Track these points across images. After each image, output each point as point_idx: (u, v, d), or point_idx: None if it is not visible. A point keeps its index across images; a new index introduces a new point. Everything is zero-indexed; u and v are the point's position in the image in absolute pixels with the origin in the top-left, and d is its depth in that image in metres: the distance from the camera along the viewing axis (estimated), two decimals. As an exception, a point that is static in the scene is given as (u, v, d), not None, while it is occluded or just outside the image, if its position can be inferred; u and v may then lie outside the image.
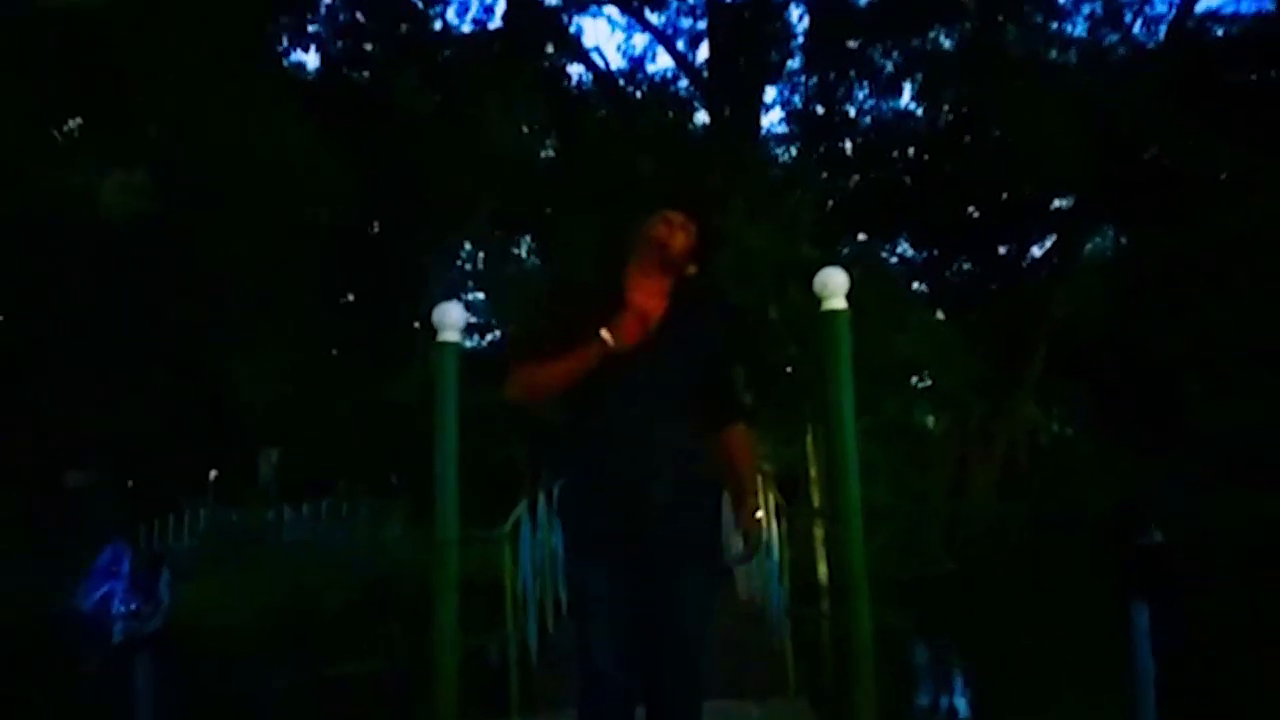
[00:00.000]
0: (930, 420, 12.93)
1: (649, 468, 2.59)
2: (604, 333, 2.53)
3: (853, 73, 12.55)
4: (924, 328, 10.15)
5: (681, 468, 2.62)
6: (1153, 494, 8.93)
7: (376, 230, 12.76)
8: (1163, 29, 13.23)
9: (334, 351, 14.21)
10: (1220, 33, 12.90)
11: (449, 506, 4.43)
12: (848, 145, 13.92)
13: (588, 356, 2.53)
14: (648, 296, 2.70)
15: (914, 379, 11.12)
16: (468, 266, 14.99)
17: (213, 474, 17.55)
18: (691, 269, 2.76)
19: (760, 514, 2.84)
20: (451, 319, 4.59)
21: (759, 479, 3.05)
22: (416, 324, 12.79)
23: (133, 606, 3.64)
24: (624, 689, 2.63)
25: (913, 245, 15.97)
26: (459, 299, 15.68)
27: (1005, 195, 12.21)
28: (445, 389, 4.55)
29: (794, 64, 13.04)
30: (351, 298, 14.42)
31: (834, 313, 4.30)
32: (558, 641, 5.87)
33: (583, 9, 12.54)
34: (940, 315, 17.78)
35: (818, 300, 4.27)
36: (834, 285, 4.27)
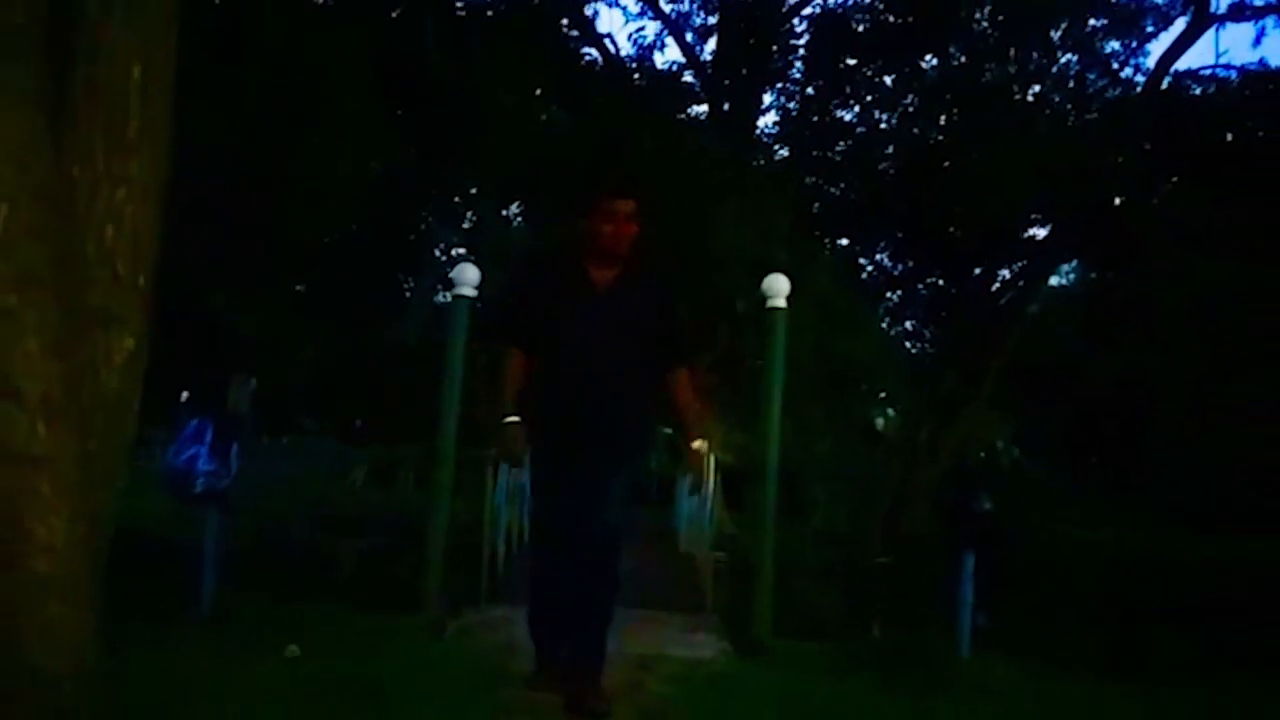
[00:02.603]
0: (880, 422, 14.32)
1: (594, 399, 3.55)
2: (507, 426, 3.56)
3: (847, 88, 13.90)
4: (872, 334, 11.55)
5: (620, 400, 3.58)
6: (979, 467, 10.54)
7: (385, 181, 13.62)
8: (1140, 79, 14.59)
9: (323, 292, 15.08)
10: (1197, 90, 14.31)
11: (449, 428, 5.89)
12: (838, 151, 15.19)
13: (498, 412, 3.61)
14: (600, 266, 3.58)
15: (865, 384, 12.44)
16: (464, 225, 16.06)
17: (184, 394, 18.59)
18: (633, 241, 3.59)
19: (698, 444, 3.90)
20: (467, 277, 6.09)
21: (699, 417, 4.01)
22: (409, 279, 13.92)
23: (212, 467, 4.98)
24: (570, 535, 3.65)
25: (891, 256, 17.33)
26: (453, 255, 16.72)
27: (980, 219, 13.45)
28: (456, 335, 6.04)
29: (794, 72, 14.41)
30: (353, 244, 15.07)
31: (774, 310, 5.79)
32: (519, 558, 7.27)
33: None
34: (910, 325, 19.28)
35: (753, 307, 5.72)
36: (777, 288, 5.78)
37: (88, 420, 2.29)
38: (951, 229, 15.63)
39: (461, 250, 18.69)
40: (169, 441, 5.39)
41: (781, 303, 5.79)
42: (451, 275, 6.16)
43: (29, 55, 2.18)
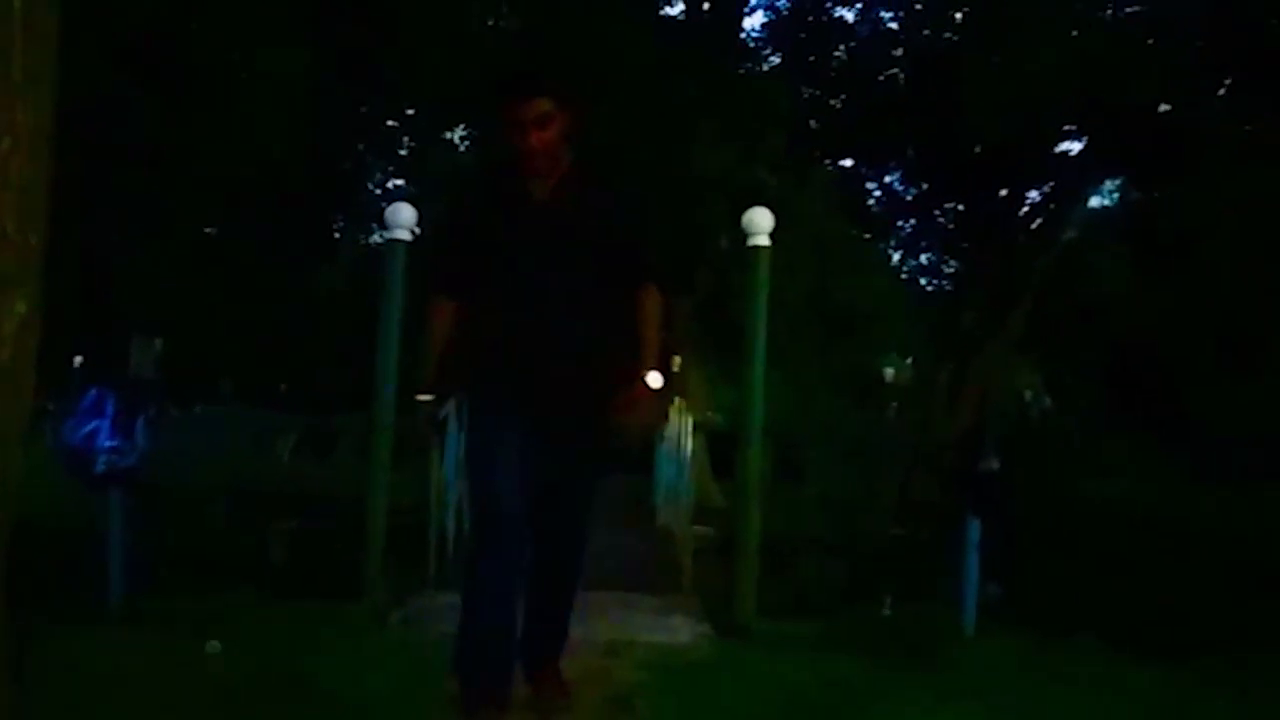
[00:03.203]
0: (889, 372, 14.62)
1: (539, 342, 3.34)
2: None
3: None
4: (876, 273, 11.81)
5: (573, 333, 3.35)
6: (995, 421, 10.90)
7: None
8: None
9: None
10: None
11: (386, 394, 6.10)
12: (836, 56, 15.32)
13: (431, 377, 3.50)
14: (540, 177, 3.38)
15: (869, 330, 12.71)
16: (402, 154, 16.13)
17: (77, 360, 18.68)
18: (567, 143, 3.38)
19: (652, 378, 3.48)
20: (402, 218, 6.28)
21: (655, 347, 3.51)
22: (339, 218, 14.03)
23: (115, 443, 5.17)
24: (519, 521, 3.31)
25: (902, 179, 17.56)
26: (389, 188, 16.80)
27: (1003, 131, 13.64)
28: (392, 284, 6.24)
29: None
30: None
31: (756, 249, 5.99)
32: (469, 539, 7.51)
33: None
34: (925, 259, 19.56)
35: (736, 243, 5.90)
36: (759, 224, 5.98)
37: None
38: (970, 145, 15.82)
39: (399, 182, 18.82)
40: (64, 415, 5.57)
41: (764, 240, 5.97)
42: (385, 215, 6.31)
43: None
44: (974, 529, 5.56)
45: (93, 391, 5.29)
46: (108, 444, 5.17)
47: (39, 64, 2.68)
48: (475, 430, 3.52)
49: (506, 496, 3.31)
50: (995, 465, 7.58)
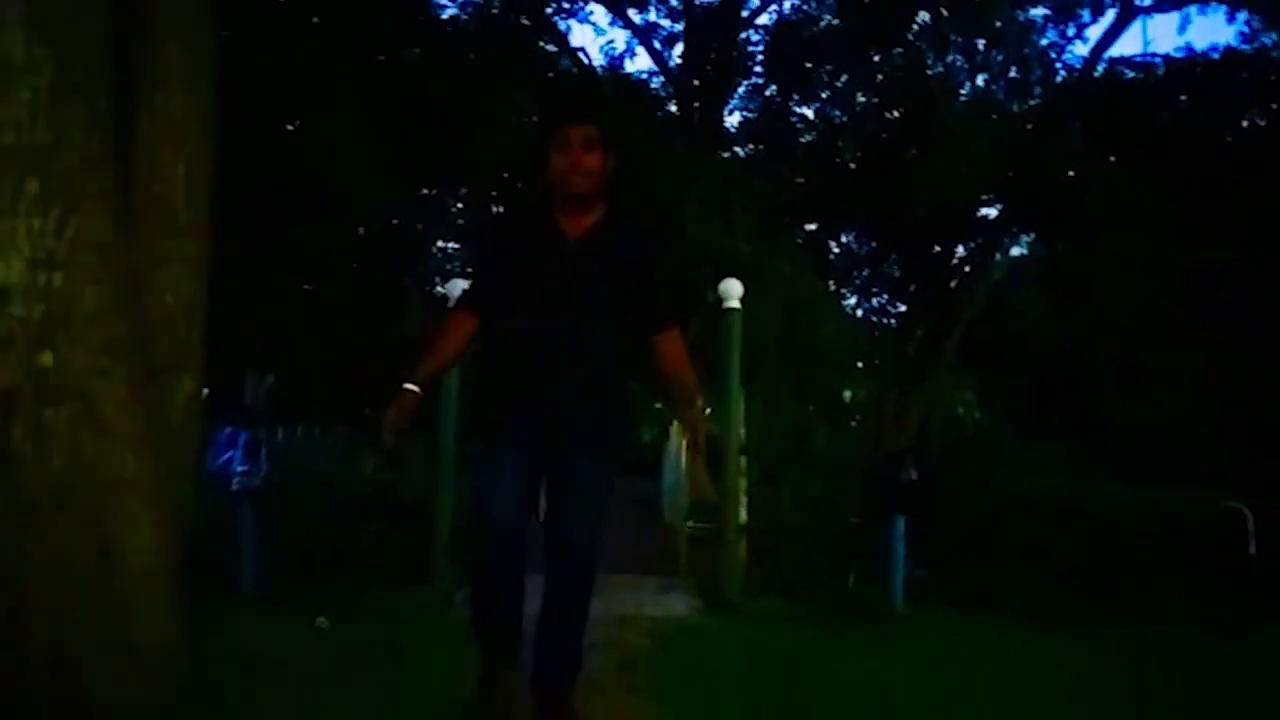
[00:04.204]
0: (847, 395, 14.89)
1: (560, 368, 2.87)
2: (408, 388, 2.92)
3: (804, 88, 14.43)
4: (833, 316, 12.13)
5: (595, 370, 2.91)
6: (913, 445, 11.11)
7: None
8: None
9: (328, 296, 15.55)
10: (1129, 75, 14.82)
11: (449, 425, 6.44)
12: (800, 144, 15.70)
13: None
14: (573, 213, 2.92)
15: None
16: (460, 223, 16.52)
17: (205, 392, 19.04)
18: (610, 168, 2.91)
19: (702, 406, 3.12)
20: (459, 289, 6.57)
21: (695, 382, 3.13)
22: (407, 279, 14.44)
23: (245, 468, 5.54)
24: (520, 535, 2.89)
25: (855, 239, 17.86)
26: (448, 250, 17.13)
27: (933, 204, 13.95)
28: None
29: (754, 77, 14.97)
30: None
31: (730, 311, 6.32)
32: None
33: (571, 14, 14.48)
34: (876, 302, 19.83)
35: (719, 301, 6.22)
36: (731, 291, 6.31)
37: (162, 449, 2.82)
38: (908, 212, 16.13)
39: (454, 245, 19.28)
40: (207, 446, 5.96)
41: (735, 304, 6.31)
42: (446, 287, 6.69)
43: (104, 172, 2.70)
44: (899, 524, 5.85)
45: (228, 429, 5.70)
46: (240, 469, 5.56)
47: (198, 210, 3.06)
48: (486, 450, 3.02)
49: (505, 504, 2.89)
50: (914, 474, 7.87)
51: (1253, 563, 8.51)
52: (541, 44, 13.97)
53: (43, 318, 2.55)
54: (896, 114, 14.47)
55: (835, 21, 14.20)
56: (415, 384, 2.96)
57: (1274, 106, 14.70)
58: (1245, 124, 14.89)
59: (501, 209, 14.33)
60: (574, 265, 2.90)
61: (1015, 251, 18.51)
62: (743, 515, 8.15)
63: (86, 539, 2.60)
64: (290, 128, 10.93)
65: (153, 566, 2.68)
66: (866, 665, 4.46)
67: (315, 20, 12.04)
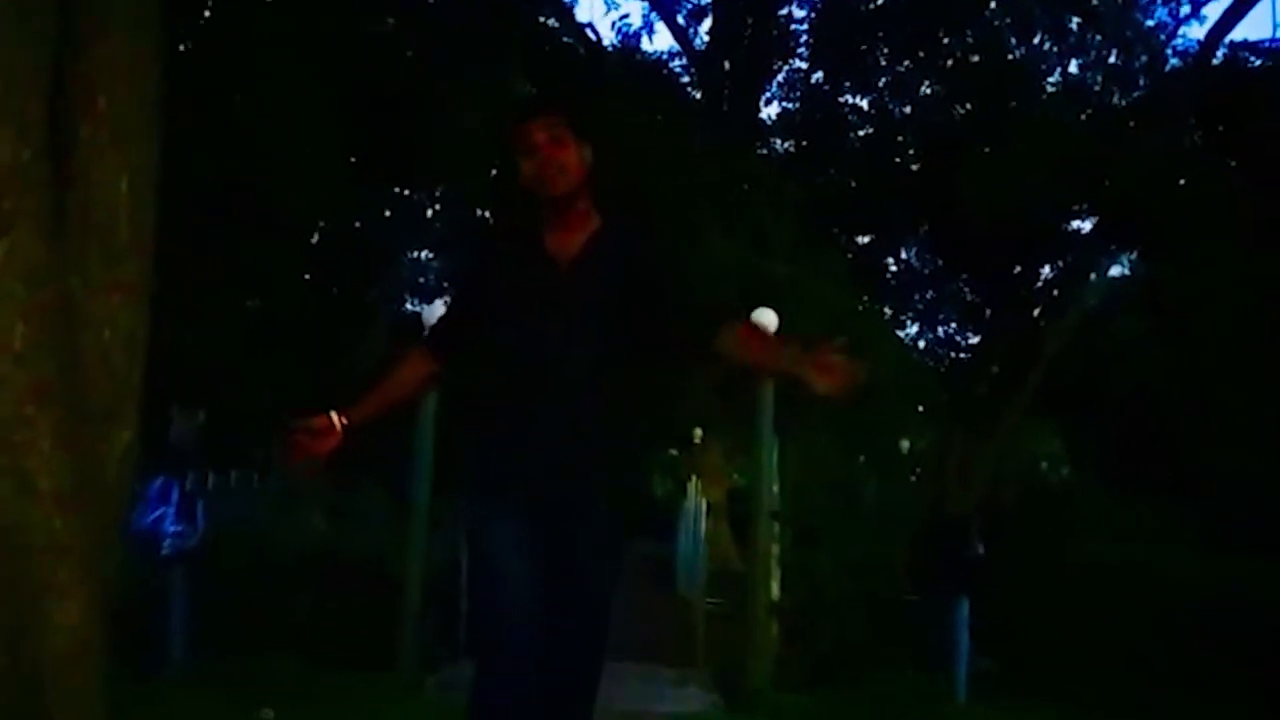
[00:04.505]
0: (905, 445, 15.00)
1: (558, 427, 2.81)
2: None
3: (856, 75, 14.65)
4: (889, 350, 12.26)
5: (587, 422, 2.82)
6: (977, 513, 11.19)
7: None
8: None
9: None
10: (1256, 63, 14.94)
11: (423, 479, 6.61)
12: (853, 139, 15.88)
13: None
14: (565, 234, 2.89)
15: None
16: (438, 226, 16.72)
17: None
18: (587, 165, 2.88)
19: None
20: (438, 315, 6.75)
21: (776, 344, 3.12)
22: (372, 296, 14.62)
23: (179, 527, 5.69)
24: (528, 663, 2.73)
25: (918, 254, 17.99)
26: (421, 259, 17.38)
27: (1014, 211, 14.07)
28: None
29: (796, 60, 15.19)
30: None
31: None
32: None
33: None
34: (943, 332, 19.95)
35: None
36: (764, 323, 6.45)
37: (94, 508, 2.97)
38: (981, 224, 16.27)
39: (429, 254, 19.47)
40: (135, 501, 6.11)
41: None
42: (423, 314, 6.87)
43: (37, 186, 2.87)
44: (963, 607, 5.96)
45: (158, 480, 5.84)
46: (172, 529, 5.71)
47: (141, 230, 3.22)
48: (476, 531, 2.92)
49: (510, 625, 2.76)
50: (980, 548, 7.90)
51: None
52: (541, 20, 14.17)
53: (-39, 357, 2.70)
54: (967, 107, 14.59)
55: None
56: (342, 414, 2.90)
57: None
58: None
59: (488, 216, 14.47)
60: (565, 294, 2.86)
61: (1114, 272, 18.66)
62: (774, 590, 8.30)
63: (3, 615, 2.74)
64: (226, 114, 11.10)
65: (80, 647, 2.82)
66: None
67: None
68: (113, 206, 3.12)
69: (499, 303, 2.91)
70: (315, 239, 13.54)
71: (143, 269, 3.22)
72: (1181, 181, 15.01)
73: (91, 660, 2.87)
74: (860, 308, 12.29)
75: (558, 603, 2.80)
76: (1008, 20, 14.53)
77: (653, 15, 15.66)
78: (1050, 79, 14.90)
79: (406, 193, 15.81)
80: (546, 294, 2.85)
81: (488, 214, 17.69)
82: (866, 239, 17.56)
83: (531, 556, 2.80)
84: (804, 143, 15.76)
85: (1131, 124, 14.56)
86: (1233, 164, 15.50)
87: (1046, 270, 17.65)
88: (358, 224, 15.05)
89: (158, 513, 5.74)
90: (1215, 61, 15.08)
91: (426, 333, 3.17)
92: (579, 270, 2.86)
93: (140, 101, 3.22)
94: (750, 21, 14.69)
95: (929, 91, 15.17)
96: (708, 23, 15.70)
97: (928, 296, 19.36)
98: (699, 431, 17.01)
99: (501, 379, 2.89)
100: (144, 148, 3.22)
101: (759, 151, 15.04)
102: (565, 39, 14.64)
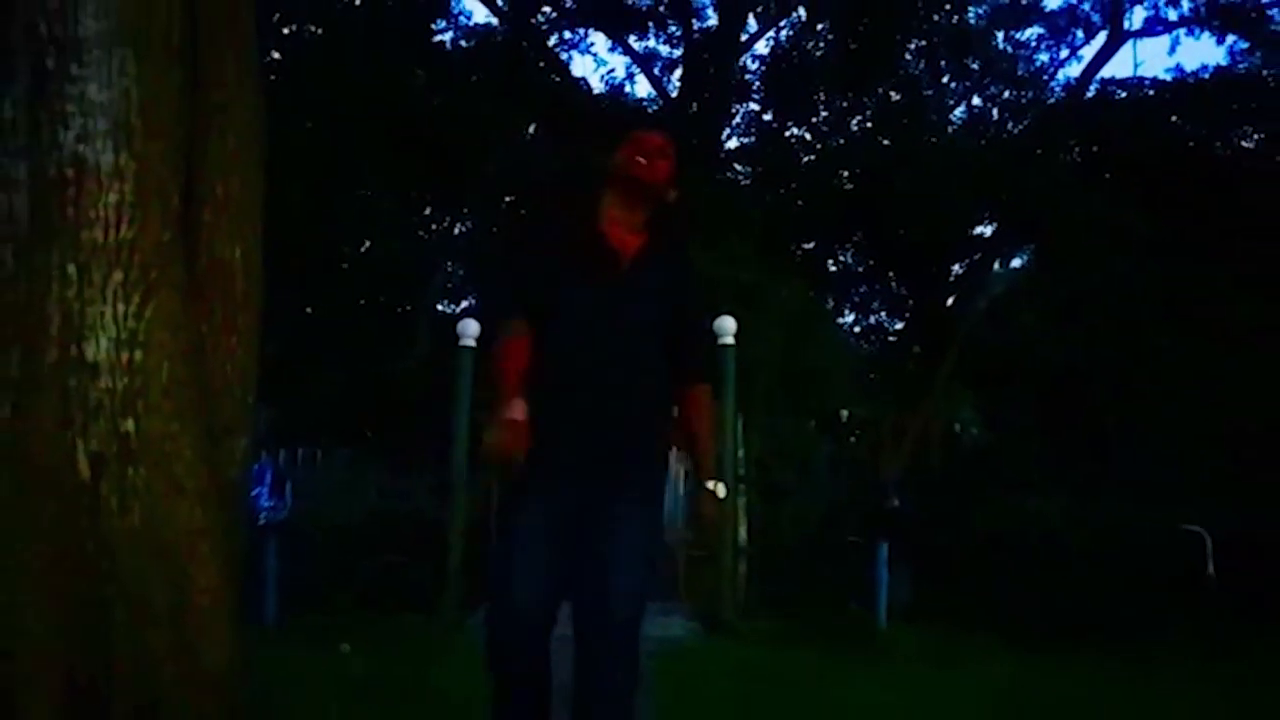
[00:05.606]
0: (844, 414, 15.34)
1: (602, 403, 2.58)
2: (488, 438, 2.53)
3: (799, 114, 14.96)
4: (828, 340, 12.61)
5: (634, 406, 2.62)
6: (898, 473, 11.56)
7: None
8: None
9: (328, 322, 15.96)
10: (1120, 95, 15.29)
11: (460, 465, 6.89)
12: (799, 167, 16.18)
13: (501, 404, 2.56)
14: (623, 230, 2.68)
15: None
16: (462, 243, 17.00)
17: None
18: (672, 194, 2.73)
19: (716, 487, 2.77)
20: (470, 330, 7.05)
21: (711, 450, 2.94)
22: (408, 305, 14.95)
23: (272, 504, 6.00)
24: (540, 627, 2.52)
25: (853, 257, 18.32)
26: (450, 281, 17.62)
27: (928, 224, 14.39)
28: (462, 382, 7.03)
29: (749, 103, 15.53)
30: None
31: (724, 347, 6.78)
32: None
33: (573, 46, 15.11)
34: (874, 319, 20.29)
35: (716, 336, 6.67)
36: (725, 328, 6.75)
37: (224, 501, 3.28)
38: (906, 230, 16.56)
39: (458, 268, 19.76)
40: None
41: (730, 340, 6.77)
42: (457, 327, 7.14)
43: (175, 259, 3.16)
44: (882, 549, 6.30)
45: (254, 466, 6.15)
46: (266, 504, 6.02)
47: (252, 285, 3.51)
48: (512, 503, 2.70)
49: (528, 591, 2.55)
50: (896, 502, 8.42)
51: (1210, 584, 8.77)
52: (549, 76, 14.46)
53: (125, 390, 3.00)
54: (889, 139, 14.92)
55: (830, 39, 14.65)
56: (514, 408, 2.54)
57: (1263, 128, 15.16)
58: (1235, 144, 15.35)
59: (520, 221, 14.64)
60: (626, 296, 2.65)
61: (1016, 263, 19.01)
62: (742, 537, 8.62)
63: (163, 580, 3.05)
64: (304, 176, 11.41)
65: (218, 603, 3.13)
66: (860, 689, 4.87)
67: (324, 63, 12.54)
68: (230, 271, 3.41)
69: (555, 286, 2.67)
70: (367, 260, 13.90)
71: (253, 317, 3.51)
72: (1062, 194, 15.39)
73: (227, 613, 3.18)
74: (807, 302, 12.55)
75: (600, 586, 2.51)
76: (922, 64, 14.82)
77: (634, 68, 16.03)
78: (956, 112, 15.19)
79: (443, 220, 16.11)
80: (610, 281, 2.65)
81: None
82: (811, 245, 17.86)
83: (557, 557, 2.56)
84: (759, 169, 16.05)
85: (1024, 147, 14.83)
86: (1106, 177, 15.86)
87: (957, 267, 18.02)
88: (395, 244, 15.35)
89: (255, 491, 6.06)
90: (1089, 95, 15.38)
91: (503, 312, 2.77)
92: (637, 268, 2.68)
93: (249, 188, 3.51)
94: (713, 72, 15.05)
95: (858, 126, 15.47)
96: (678, 73, 16.06)
97: (861, 291, 19.72)
98: (675, 409, 17.28)
99: (552, 371, 2.62)
100: (253, 223, 3.51)
101: (722, 176, 15.31)
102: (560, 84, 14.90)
